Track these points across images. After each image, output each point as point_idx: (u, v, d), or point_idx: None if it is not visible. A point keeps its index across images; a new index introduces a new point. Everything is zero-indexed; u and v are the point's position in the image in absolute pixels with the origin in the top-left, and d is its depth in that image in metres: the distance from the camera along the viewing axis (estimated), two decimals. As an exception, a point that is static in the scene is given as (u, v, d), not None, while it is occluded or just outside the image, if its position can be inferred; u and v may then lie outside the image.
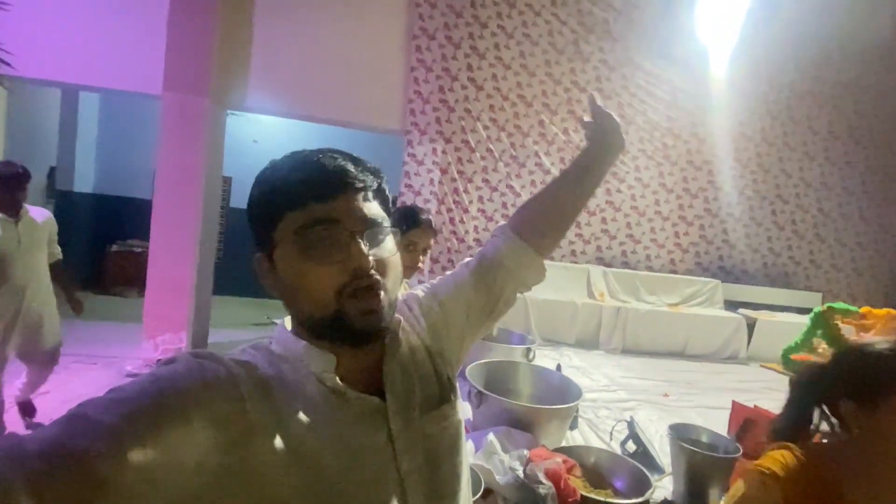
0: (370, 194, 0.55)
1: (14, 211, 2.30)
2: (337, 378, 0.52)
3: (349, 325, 0.51)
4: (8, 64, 2.37)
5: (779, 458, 0.81)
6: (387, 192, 0.58)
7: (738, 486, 0.83)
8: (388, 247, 0.55)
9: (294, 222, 0.51)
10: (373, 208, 0.54)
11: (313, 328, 0.53)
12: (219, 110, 3.87)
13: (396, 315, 0.60)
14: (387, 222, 0.56)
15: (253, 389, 0.47)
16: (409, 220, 1.50)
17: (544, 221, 0.74)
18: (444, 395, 0.63)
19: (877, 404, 0.76)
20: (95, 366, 3.46)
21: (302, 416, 0.49)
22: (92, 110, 5.86)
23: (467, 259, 0.74)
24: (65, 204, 5.88)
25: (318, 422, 0.49)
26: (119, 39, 3.58)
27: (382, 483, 0.51)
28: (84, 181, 5.95)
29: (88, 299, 5.19)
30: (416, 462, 0.55)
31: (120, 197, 6.06)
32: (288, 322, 0.58)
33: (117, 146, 5.99)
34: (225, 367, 0.47)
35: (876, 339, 0.83)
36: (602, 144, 0.79)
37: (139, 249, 5.57)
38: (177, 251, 3.58)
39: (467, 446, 1.30)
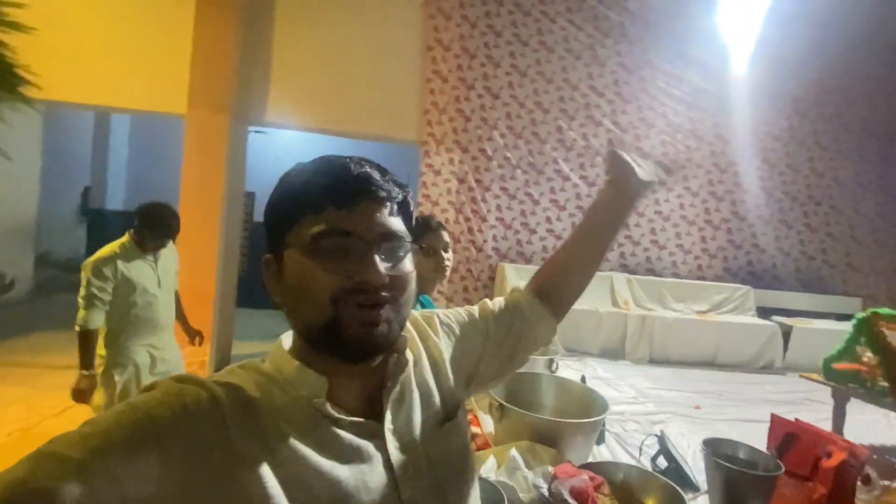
0: (394, 207, 0.52)
1: (157, 252, 2.14)
2: (328, 404, 0.48)
3: (343, 335, 0.47)
4: (36, 86, 2.47)
5: None
6: (411, 207, 0.55)
7: None
8: (407, 264, 0.52)
9: (309, 227, 0.48)
10: (394, 222, 0.51)
11: (311, 337, 0.50)
12: (240, 127, 3.96)
13: (404, 334, 0.57)
14: (408, 238, 0.53)
15: (238, 414, 0.44)
16: (419, 228, 1.50)
17: (562, 285, 0.76)
18: (447, 414, 0.59)
19: None
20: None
21: (292, 441, 0.45)
22: (123, 132, 6.12)
23: (489, 301, 0.74)
24: (97, 221, 6.12)
25: (310, 447, 0.46)
26: (146, 64, 3.72)
27: None
28: (115, 199, 6.19)
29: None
30: (420, 489, 0.51)
31: (148, 214, 6.25)
32: (286, 339, 0.55)
33: (147, 165, 6.23)
34: (207, 392, 0.44)
35: None
36: (615, 192, 0.78)
37: (166, 264, 5.71)
38: (199, 265, 3.65)
39: (488, 463, 1.25)
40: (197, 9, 3.63)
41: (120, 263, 1.97)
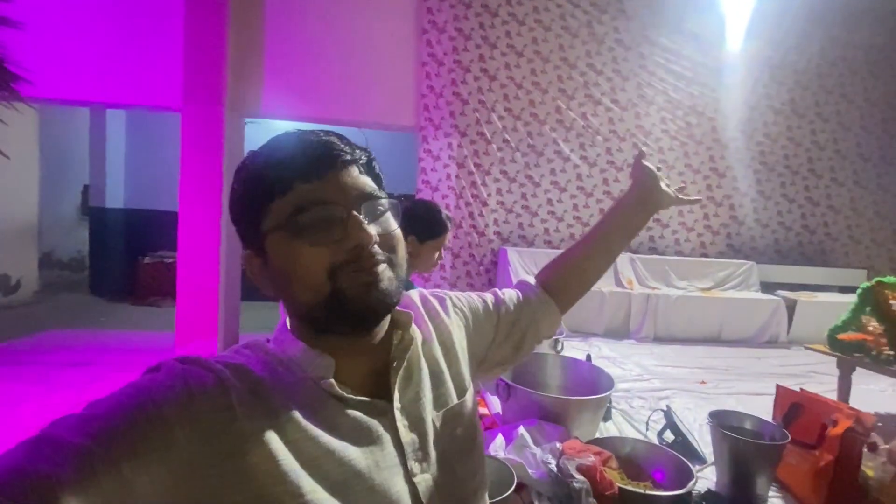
0: (360, 168, 0.51)
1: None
2: (335, 383, 0.48)
3: (348, 305, 0.47)
4: (28, 82, 2.44)
5: None
6: (377, 169, 0.54)
7: None
8: (391, 221, 0.52)
9: (283, 208, 0.47)
10: (367, 181, 0.50)
11: (311, 319, 0.49)
12: (236, 119, 3.93)
13: (408, 311, 0.57)
14: (384, 195, 0.52)
15: (245, 395, 0.44)
16: (441, 227, 1.57)
17: (572, 285, 0.77)
18: (459, 393, 0.59)
19: None
20: (132, 374, 3.58)
21: (301, 420, 0.45)
22: (119, 129, 6.07)
23: (498, 290, 0.75)
24: (98, 220, 6.12)
25: (318, 428, 0.46)
26: (139, 56, 3.68)
27: (391, 490, 0.47)
28: (115, 197, 6.17)
29: (125, 310, 5.43)
30: (428, 466, 0.51)
31: (149, 210, 6.25)
32: (290, 321, 0.54)
33: (145, 162, 6.19)
34: (213, 374, 0.43)
35: None
36: (638, 201, 0.80)
37: (170, 260, 5.73)
38: (203, 259, 3.66)
39: (497, 441, 1.27)
40: (187, 1, 3.57)
41: None
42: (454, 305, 0.67)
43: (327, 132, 0.51)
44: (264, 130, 6.11)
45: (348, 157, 0.49)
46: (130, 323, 4.93)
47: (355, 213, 0.47)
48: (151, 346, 4.18)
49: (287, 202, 0.47)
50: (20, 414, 2.74)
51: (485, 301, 0.71)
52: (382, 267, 0.48)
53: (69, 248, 6.87)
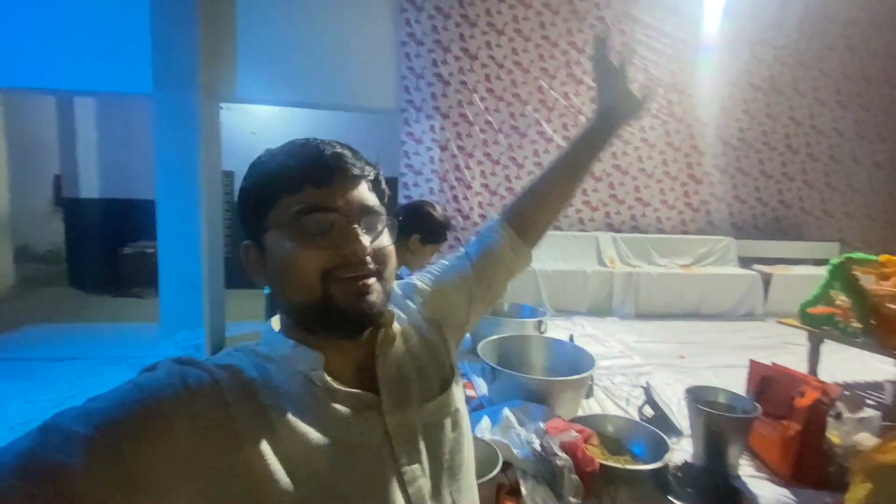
0: (368, 184, 0.54)
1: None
2: (326, 375, 0.50)
3: (337, 311, 0.49)
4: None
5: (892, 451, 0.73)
6: (383, 185, 0.57)
7: (863, 486, 0.73)
8: (386, 237, 0.55)
9: (290, 206, 0.50)
10: (371, 197, 0.54)
11: (301, 318, 0.52)
12: (211, 103, 3.82)
13: (390, 308, 0.59)
14: (385, 213, 0.55)
15: (238, 394, 0.46)
16: (443, 233, 1.63)
17: (538, 217, 0.76)
18: (443, 384, 0.61)
19: None
20: (119, 367, 3.55)
21: (291, 417, 0.47)
22: (89, 116, 5.84)
23: (465, 249, 0.75)
24: (73, 211, 5.94)
25: (309, 423, 0.48)
26: (105, 41, 3.53)
27: (381, 481, 0.50)
28: (90, 187, 5.98)
29: (108, 303, 5.34)
30: (417, 456, 0.54)
31: (127, 199, 6.09)
32: (275, 322, 0.56)
33: (119, 149, 5.99)
34: (208, 373, 0.46)
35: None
36: (608, 117, 0.77)
37: (150, 250, 5.62)
38: (184, 248, 3.61)
39: (483, 422, 1.31)
40: (153, -21, 3.43)
41: None
42: (423, 294, 0.68)
43: (343, 145, 0.54)
44: (244, 115, 5.94)
45: (358, 172, 0.53)
46: (113, 315, 4.86)
47: (355, 224, 0.50)
48: (136, 337, 4.13)
49: (294, 202, 0.50)
50: (9, 411, 2.71)
51: (456, 266, 0.72)
52: (372, 280, 0.51)
53: (44, 241, 6.69)
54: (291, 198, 0.50)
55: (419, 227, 1.58)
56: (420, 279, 0.70)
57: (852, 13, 4.75)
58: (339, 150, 0.52)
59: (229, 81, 3.83)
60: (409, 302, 0.66)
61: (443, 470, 0.56)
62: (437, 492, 0.55)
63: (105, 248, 5.89)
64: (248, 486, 0.43)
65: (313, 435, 0.47)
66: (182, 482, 0.40)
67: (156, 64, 3.45)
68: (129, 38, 3.50)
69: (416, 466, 0.53)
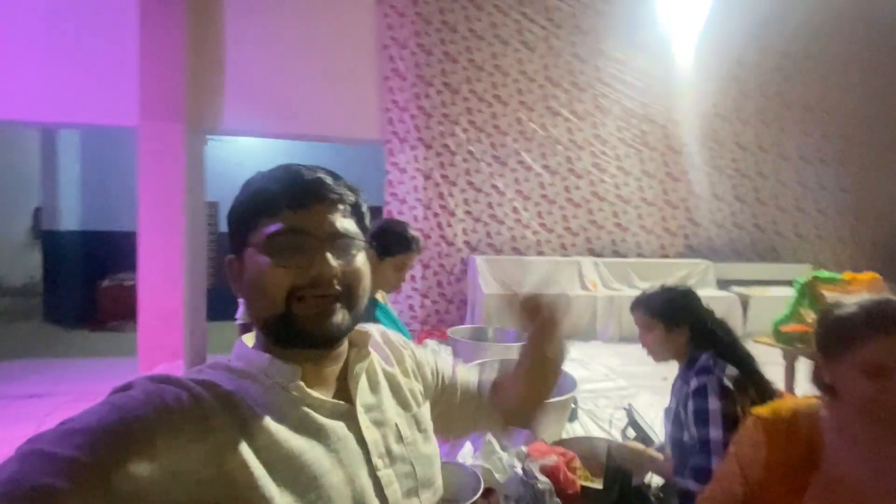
0: (346, 209, 0.56)
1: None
2: (303, 385, 0.53)
3: (297, 328, 0.52)
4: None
5: (776, 405, 0.87)
6: (363, 209, 0.59)
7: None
8: (359, 261, 0.56)
9: (267, 227, 0.52)
10: (346, 223, 0.55)
11: (268, 330, 0.54)
12: (196, 136, 3.86)
13: (366, 330, 0.62)
14: (360, 238, 0.57)
15: (217, 407, 0.47)
16: (402, 244, 1.49)
17: (523, 408, 0.78)
18: (416, 402, 0.65)
19: (841, 360, 0.76)
20: (93, 403, 3.43)
21: (271, 426, 0.49)
22: (72, 148, 5.82)
23: (469, 367, 0.80)
24: (52, 243, 5.84)
25: (288, 431, 0.50)
26: (91, 74, 3.57)
27: (356, 484, 0.52)
28: (70, 219, 5.91)
29: (84, 337, 5.18)
30: (391, 461, 0.56)
31: (107, 231, 6.01)
32: (248, 339, 0.58)
33: (101, 181, 5.95)
34: (185, 389, 0.47)
35: (848, 297, 0.83)
36: (537, 341, 0.78)
37: (130, 283, 5.51)
38: (165, 280, 3.56)
39: (465, 448, 1.31)
40: (142, 15, 3.50)
41: None
42: (414, 352, 0.71)
43: (326, 171, 0.57)
44: (230, 147, 5.97)
45: (336, 197, 0.55)
46: (90, 350, 4.71)
47: (325, 248, 0.52)
48: (113, 372, 4.00)
49: (271, 223, 0.53)
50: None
51: (440, 360, 0.75)
52: (337, 305, 0.54)
53: (20, 274, 6.51)
54: (269, 219, 0.52)
55: (373, 242, 1.40)
56: (418, 351, 0.72)
57: (809, 49, 5.08)
58: (319, 175, 0.54)
59: (215, 113, 3.89)
60: (398, 340, 0.70)
61: (417, 479, 0.59)
62: (412, 495, 0.57)
63: (83, 281, 5.76)
64: (233, 495, 0.44)
65: (292, 443, 0.49)
66: (167, 498, 0.41)
67: (143, 96, 3.49)
68: (117, 71, 3.54)
69: (390, 471, 0.56)
